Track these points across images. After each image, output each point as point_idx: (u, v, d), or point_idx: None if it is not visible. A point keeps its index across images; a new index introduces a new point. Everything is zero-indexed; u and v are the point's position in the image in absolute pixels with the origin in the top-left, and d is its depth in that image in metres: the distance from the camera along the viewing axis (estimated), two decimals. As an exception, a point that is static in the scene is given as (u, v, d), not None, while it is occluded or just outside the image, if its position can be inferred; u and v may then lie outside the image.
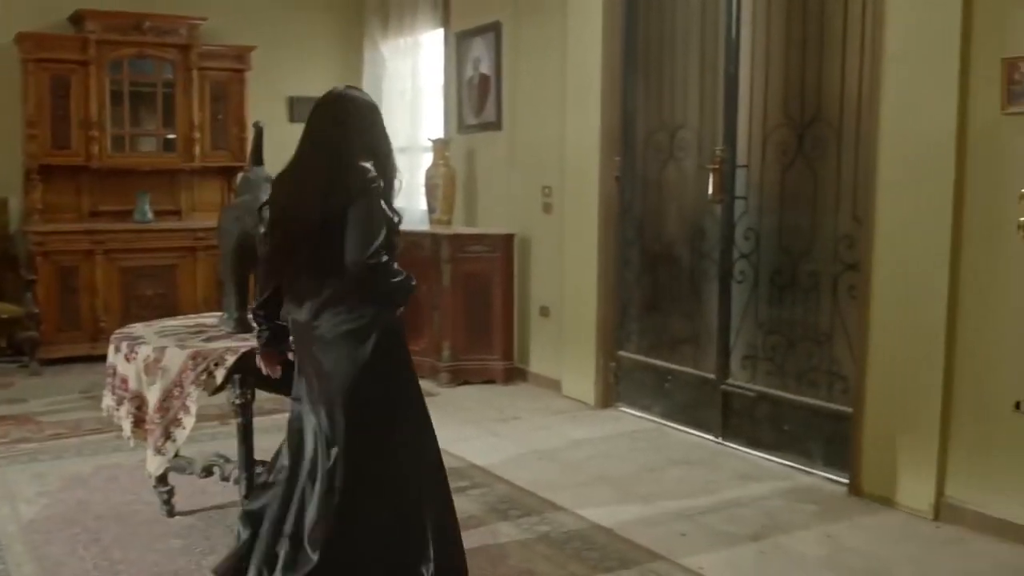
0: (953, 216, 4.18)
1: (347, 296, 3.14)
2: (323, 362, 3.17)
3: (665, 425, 5.83)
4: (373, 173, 3.15)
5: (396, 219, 3.23)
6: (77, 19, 7.38)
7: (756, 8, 5.24)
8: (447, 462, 5.02)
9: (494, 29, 7.10)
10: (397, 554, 3.24)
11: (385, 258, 3.10)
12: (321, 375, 3.18)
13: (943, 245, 4.22)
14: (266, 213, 3.34)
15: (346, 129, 3.21)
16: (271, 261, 3.34)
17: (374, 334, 3.15)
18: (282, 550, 3.18)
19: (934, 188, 4.24)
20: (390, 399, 3.24)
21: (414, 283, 3.27)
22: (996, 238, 4.07)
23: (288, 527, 3.20)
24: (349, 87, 3.39)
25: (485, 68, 7.26)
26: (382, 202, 3.16)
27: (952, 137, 4.15)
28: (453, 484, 4.67)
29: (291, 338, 3.33)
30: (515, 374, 6.97)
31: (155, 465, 3.79)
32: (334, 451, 3.14)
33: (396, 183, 3.30)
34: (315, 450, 3.21)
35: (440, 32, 7.84)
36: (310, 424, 3.24)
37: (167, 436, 3.71)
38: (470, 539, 4.04)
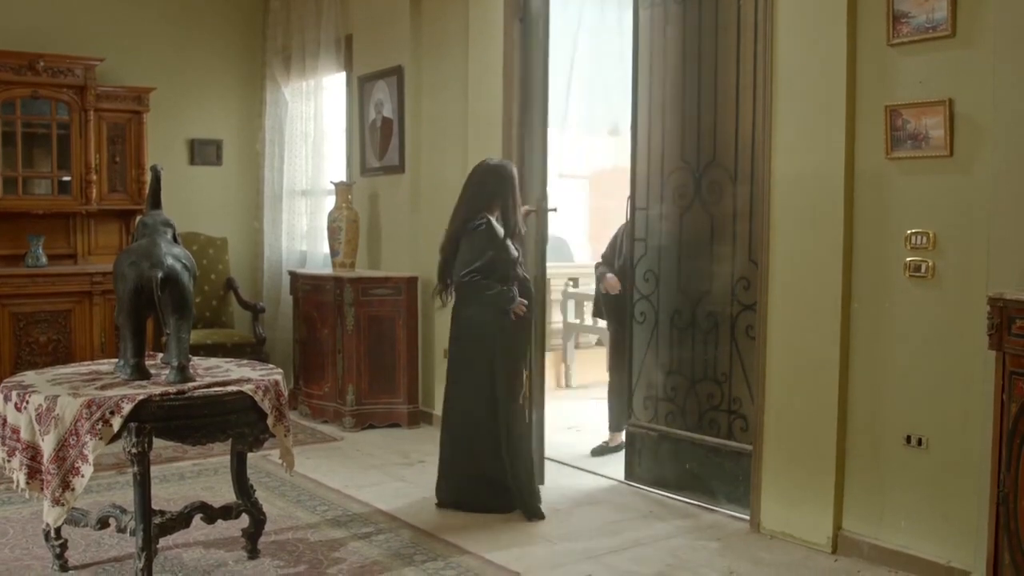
0: (843, 257, 4.33)
1: (462, 300, 5.03)
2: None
3: (569, 465, 5.86)
4: (479, 220, 4.91)
5: (515, 255, 4.94)
6: (-32, 58, 7.20)
7: (653, 55, 5.38)
8: (350, 507, 5.00)
9: (396, 73, 7.13)
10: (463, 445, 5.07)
11: (477, 277, 4.85)
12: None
13: (835, 285, 4.35)
14: None
15: (475, 189, 5.04)
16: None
17: (481, 325, 4.95)
18: None
19: (825, 230, 4.38)
20: (483, 367, 4.97)
21: (511, 295, 4.88)
22: (884, 277, 4.22)
23: None
24: (490, 159, 5.20)
25: (387, 111, 7.28)
26: (498, 239, 4.89)
27: (840, 181, 4.31)
28: (357, 530, 4.65)
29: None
30: (420, 417, 6.94)
31: (54, 516, 3.67)
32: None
33: (519, 228, 5.02)
34: None
35: (342, 75, 7.85)
36: None
37: (65, 485, 3.60)
38: (375, 586, 4.01)
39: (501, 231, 4.96)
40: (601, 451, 6.16)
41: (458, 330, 5.09)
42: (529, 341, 5.16)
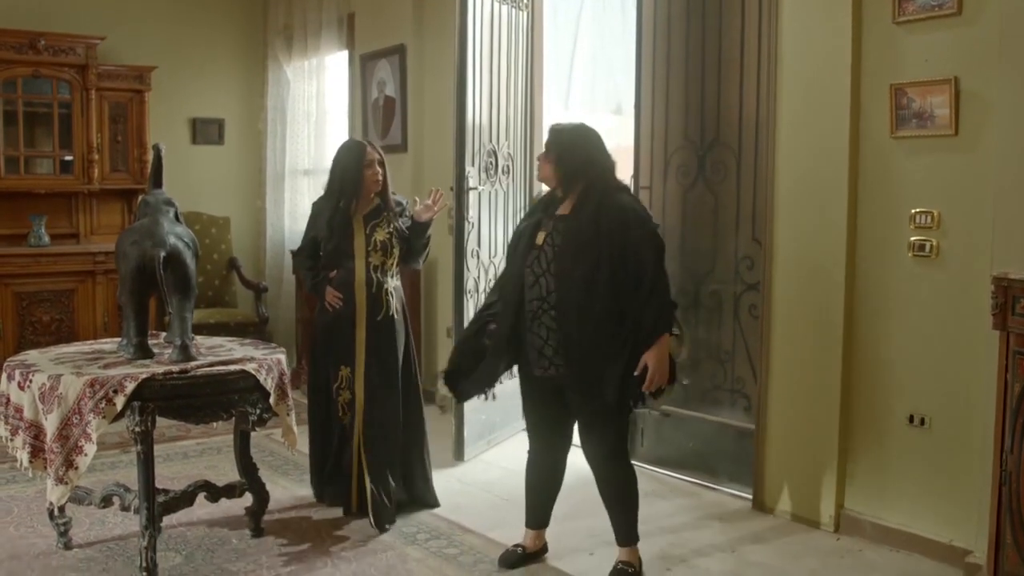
0: (847, 236, 4.31)
1: None
2: None
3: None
4: (316, 202, 4.80)
5: (329, 239, 4.56)
6: (-31, 37, 7.17)
7: (656, 33, 5.35)
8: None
9: (399, 52, 7.10)
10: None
11: (300, 258, 4.82)
12: None
13: (839, 265, 4.34)
14: None
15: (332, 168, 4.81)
16: None
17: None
18: None
19: (829, 209, 4.37)
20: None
21: (311, 281, 4.69)
22: (888, 257, 4.21)
23: None
24: (364, 139, 5.14)
25: (390, 90, 7.25)
26: (329, 221, 4.57)
27: (845, 160, 4.29)
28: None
29: None
30: (423, 396, 6.92)
31: (57, 495, 3.67)
32: None
33: (394, 212, 4.69)
34: None
35: (345, 54, 7.81)
36: None
37: (69, 464, 3.60)
38: (378, 564, 4.02)
39: (343, 210, 4.56)
40: (511, 560, 4.07)
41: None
42: (347, 336, 4.55)
